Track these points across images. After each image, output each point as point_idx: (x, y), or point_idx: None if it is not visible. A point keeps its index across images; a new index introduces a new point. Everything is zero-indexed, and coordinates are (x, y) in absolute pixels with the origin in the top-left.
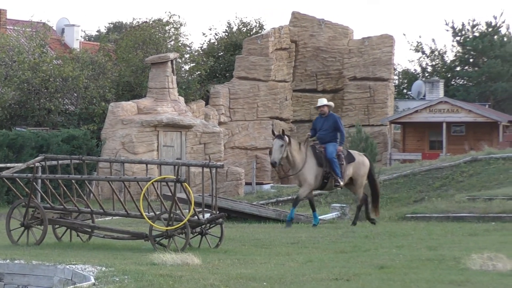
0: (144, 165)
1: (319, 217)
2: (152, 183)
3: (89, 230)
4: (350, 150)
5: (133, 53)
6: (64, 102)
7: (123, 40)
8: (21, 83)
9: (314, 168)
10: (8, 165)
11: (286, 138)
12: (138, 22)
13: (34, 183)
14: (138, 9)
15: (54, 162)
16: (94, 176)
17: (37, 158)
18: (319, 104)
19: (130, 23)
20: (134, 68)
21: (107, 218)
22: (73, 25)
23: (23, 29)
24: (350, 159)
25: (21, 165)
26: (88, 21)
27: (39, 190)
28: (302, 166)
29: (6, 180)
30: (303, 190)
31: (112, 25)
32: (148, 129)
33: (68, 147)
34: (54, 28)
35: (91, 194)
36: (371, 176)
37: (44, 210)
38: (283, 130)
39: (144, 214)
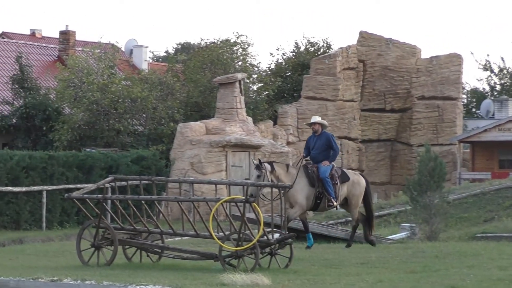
0: (213, 185)
1: (390, 237)
2: (221, 203)
3: (159, 250)
4: (345, 169)
5: (201, 74)
6: (133, 123)
7: (191, 60)
8: (90, 104)
9: (306, 189)
10: (78, 186)
11: (267, 166)
12: (206, 42)
13: (104, 204)
14: (206, 29)
15: (124, 183)
16: (164, 197)
17: (106, 179)
18: (311, 121)
19: (198, 43)
20: (202, 89)
21: (176, 239)
22: (142, 46)
23: (92, 50)
24: (344, 178)
25: (91, 186)
26: (156, 42)
27: (109, 210)
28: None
29: (76, 201)
30: (294, 211)
31: (180, 46)
32: (216, 149)
33: (137, 168)
34: (123, 49)
35: (161, 215)
36: (366, 196)
37: (114, 230)
38: (259, 160)
39: (213, 234)
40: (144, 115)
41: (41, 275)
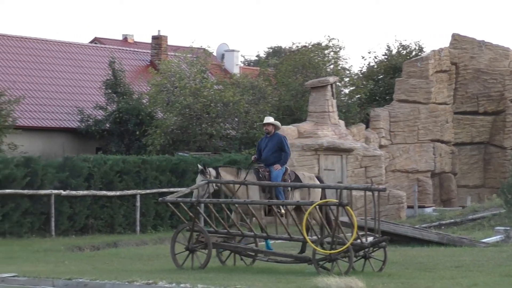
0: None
1: (484, 240)
2: (314, 206)
3: (253, 253)
4: (299, 173)
5: (293, 77)
6: (225, 127)
7: (283, 64)
8: (183, 109)
9: (257, 194)
10: (172, 189)
11: (211, 172)
12: (297, 46)
13: (198, 208)
14: (297, 33)
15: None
16: (257, 200)
17: (200, 183)
18: (264, 121)
19: (289, 47)
20: (294, 92)
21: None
22: (233, 51)
23: (184, 55)
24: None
25: (184, 190)
26: (247, 46)
27: (203, 214)
28: (237, 190)
29: (170, 205)
30: (259, 218)
31: (271, 50)
32: (309, 152)
33: None
34: (214, 53)
35: (254, 218)
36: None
37: (208, 234)
38: (204, 165)
39: (307, 238)
40: (236, 119)
41: (136, 278)
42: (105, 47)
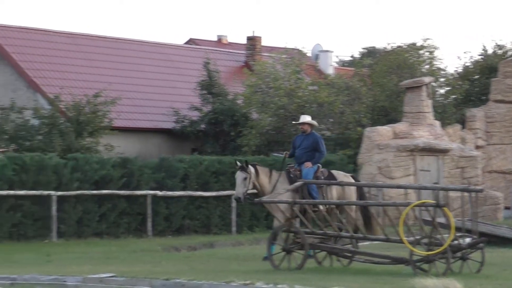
0: (402, 189)
1: None
2: (411, 207)
3: (350, 254)
4: (334, 171)
5: (388, 78)
6: (320, 127)
7: (377, 65)
8: (278, 109)
9: (287, 195)
10: None
11: (251, 169)
12: (392, 46)
13: (294, 208)
14: (391, 34)
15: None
16: (353, 201)
17: (297, 183)
18: (300, 120)
19: (383, 48)
20: (389, 93)
21: (366, 243)
22: (327, 51)
23: (279, 55)
24: (332, 180)
25: (281, 191)
26: (341, 46)
27: (299, 215)
28: (270, 192)
29: (266, 205)
30: (277, 222)
31: (365, 50)
32: (404, 153)
33: None
34: (309, 54)
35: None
36: (362, 199)
37: (304, 235)
38: (246, 161)
39: (404, 239)
40: (331, 120)
41: (233, 279)
42: (200, 48)
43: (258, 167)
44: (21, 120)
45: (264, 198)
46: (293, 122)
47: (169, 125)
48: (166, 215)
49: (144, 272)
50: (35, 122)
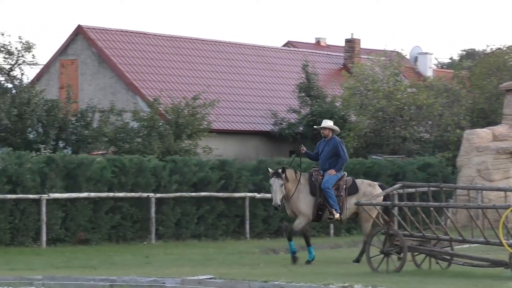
0: (501, 192)
1: None
2: (511, 210)
3: (448, 257)
4: (358, 180)
5: (487, 80)
6: (419, 130)
7: (477, 67)
8: (376, 112)
9: (308, 198)
10: None
11: (286, 175)
12: (492, 49)
13: (392, 211)
14: (491, 36)
15: (412, 190)
16: (453, 204)
17: (395, 186)
18: (322, 125)
19: (483, 50)
20: (489, 95)
21: (464, 246)
22: (426, 53)
23: (377, 58)
24: (353, 190)
25: (380, 193)
26: (440, 48)
27: (398, 217)
28: (293, 194)
29: (365, 208)
30: (299, 222)
31: (464, 52)
32: (503, 156)
33: (424, 175)
34: (407, 56)
35: (449, 221)
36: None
37: (403, 237)
38: (283, 168)
39: (503, 241)
40: (430, 122)
41: (331, 281)
42: (298, 51)
43: (287, 171)
44: (120, 122)
45: (363, 201)
46: (315, 126)
47: (267, 127)
48: (264, 217)
49: (242, 274)
50: (134, 124)
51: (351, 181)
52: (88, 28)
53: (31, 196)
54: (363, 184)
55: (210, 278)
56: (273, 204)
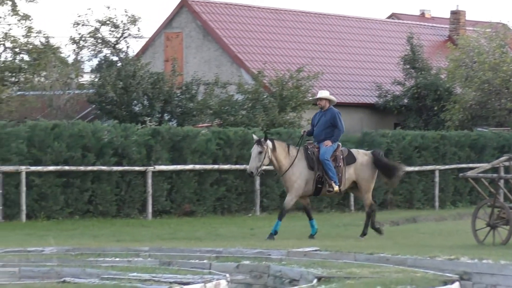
0: None
1: None
2: None
3: None
4: (353, 150)
5: None
6: None
7: None
8: (482, 84)
9: (305, 172)
10: (471, 165)
11: (268, 144)
12: None
13: (499, 183)
14: None
15: None
16: None
17: (501, 158)
18: (318, 95)
19: None
20: None
21: None
22: None
23: (483, 30)
24: (350, 160)
25: (485, 165)
26: None
27: (504, 190)
28: (288, 168)
29: (471, 180)
30: (290, 199)
31: None
32: None
33: None
34: None
35: None
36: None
37: (510, 210)
38: (265, 135)
39: None
40: None
41: (437, 253)
42: (402, 23)
43: (276, 142)
44: (225, 95)
45: (469, 173)
46: (311, 98)
47: (371, 99)
48: None
49: (347, 247)
50: (239, 97)
51: (346, 151)
52: (192, 1)
53: (137, 168)
54: (359, 153)
55: (316, 250)
56: (247, 171)
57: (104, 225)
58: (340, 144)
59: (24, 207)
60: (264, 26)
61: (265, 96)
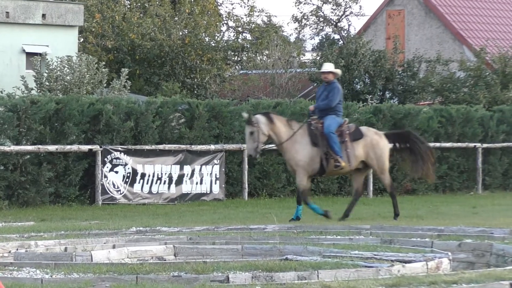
0: None
1: None
2: None
3: None
4: (363, 127)
5: None
6: None
7: None
8: None
9: (308, 149)
10: None
11: (259, 119)
12: None
13: None
14: None
15: None
16: None
17: None
18: (322, 69)
19: None
20: None
21: None
22: None
23: None
24: (357, 136)
25: None
26: None
27: None
28: (287, 140)
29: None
30: (300, 179)
31: None
32: None
33: None
34: None
35: None
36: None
37: None
38: (249, 112)
39: None
40: None
41: None
42: None
43: (273, 116)
44: (447, 72)
45: None
46: (316, 71)
47: None
48: None
49: None
50: (461, 74)
51: (353, 127)
52: None
53: None
54: (369, 131)
55: None
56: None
57: (325, 203)
58: (346, 120)
59: (246, 185)
60: (487, 2)
61: (487, 73)
